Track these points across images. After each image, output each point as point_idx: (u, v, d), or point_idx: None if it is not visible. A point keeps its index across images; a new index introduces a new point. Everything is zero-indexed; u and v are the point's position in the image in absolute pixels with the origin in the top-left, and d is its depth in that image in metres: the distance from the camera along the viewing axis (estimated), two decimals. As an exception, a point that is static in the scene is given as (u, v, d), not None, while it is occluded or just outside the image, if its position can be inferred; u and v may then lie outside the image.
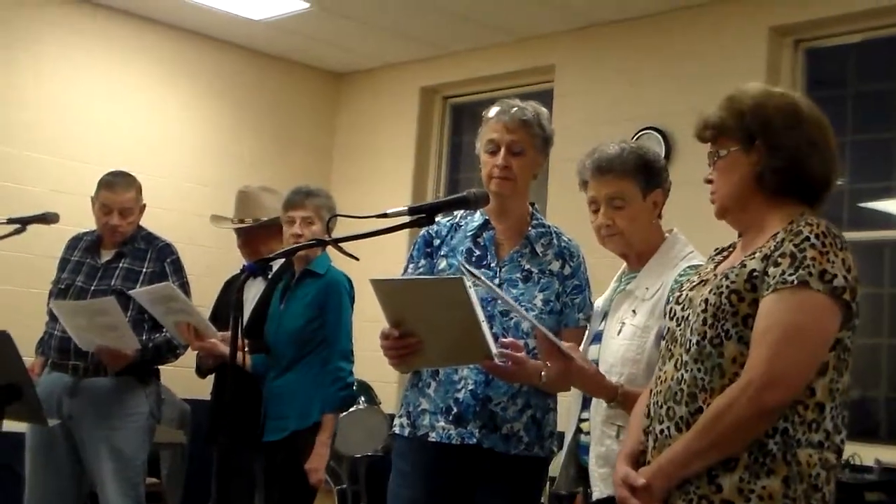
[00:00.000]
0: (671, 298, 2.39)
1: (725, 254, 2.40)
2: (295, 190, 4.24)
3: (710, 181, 2.34)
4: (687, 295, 2.30)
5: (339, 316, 4.10)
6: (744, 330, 2.13)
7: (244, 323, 4.28)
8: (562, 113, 6.32)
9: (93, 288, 4.38)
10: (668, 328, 2.32)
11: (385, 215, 2.57)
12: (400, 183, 7.46)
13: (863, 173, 5.66)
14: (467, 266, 2.84)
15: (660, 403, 2.23)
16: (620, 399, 2.63)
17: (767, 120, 2.24)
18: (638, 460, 2.29)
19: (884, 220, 5.66)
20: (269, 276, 4.41)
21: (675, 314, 2.31)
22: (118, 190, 4.41)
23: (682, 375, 2.19)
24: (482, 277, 2.72)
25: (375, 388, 6.37)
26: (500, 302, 3.02)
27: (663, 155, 5.50)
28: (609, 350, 2.77)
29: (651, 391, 2.31)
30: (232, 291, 4.51)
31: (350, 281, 4.20)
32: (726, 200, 2.30)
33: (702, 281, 2.30)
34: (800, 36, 5.85)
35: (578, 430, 2.89)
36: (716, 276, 2.25)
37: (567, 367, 2.59)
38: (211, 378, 4.54)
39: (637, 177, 2.83)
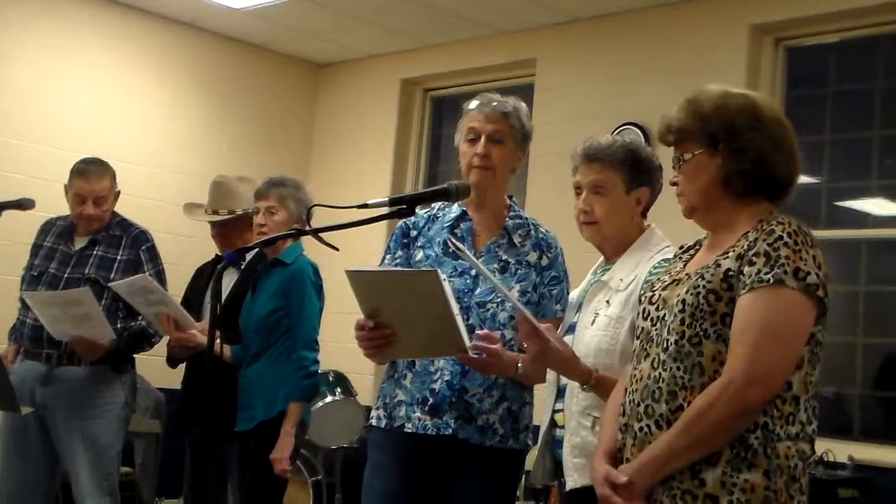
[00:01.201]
0: (643, 298, 2.40)
1: (692, 252, 2.44)
2: (264, 180, 4.24)
3: (675, 183, 2.37)
4: (660, 295, 2.32)
5: (302, 305, 4.09)
6: (722, 328, 2.16)
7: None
8: (543, 107, 6.33)
9: (66, 276, 4.35)
10: (642, 328, 2.34)
11: (366, 206, 2.56)
12: (379, 174, 7.45)
13: (840, 172, 5.69)
14: (454, 241, 2.84)
15: (637, 402, 2.26)
16: (594, 383, 2.65)
17: (730, 122, 2.27)
18: (615, 457, 2.31)
19: (860, 219, 5.69)
20: (242, 266, 4.38)
21: (648, 314, 2.33)
22: (91, 178, 4.37)
23: (661, 374, 2.21)
24: (467, 251, 2.73)
25: (352, 380, 6.36)
26: (476, 293, 3.03)
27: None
28: (582, 340, 2.78)
29: (626, 389, 2.32)
30: (203, 278, 4.51)
31: (316, 270, 4.18)
32: (693, 202, 2.33)
33: (674, 280, 2.32)
34: (780, 34, 5.87)
35: (553, 424, 2.90)
36: (688, 275, 2.28)
37: (543, 348, 2.60)
38: (182, 368, 4.51)
39: (623, 170, 2.86)
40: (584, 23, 6.51)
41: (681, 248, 2.51)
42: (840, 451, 4.97)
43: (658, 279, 2.42)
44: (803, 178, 5.77)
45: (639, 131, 5.90)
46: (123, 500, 4.57)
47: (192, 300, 4.50)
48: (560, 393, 2.86)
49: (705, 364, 2.16)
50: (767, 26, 5.83)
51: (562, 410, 2.83)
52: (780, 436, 2.13)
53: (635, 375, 2.29)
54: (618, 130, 5.93)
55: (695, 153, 2.30)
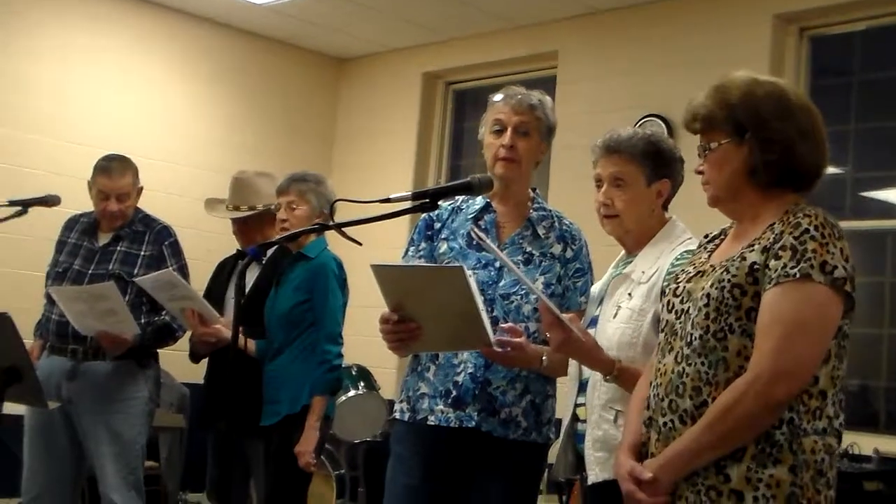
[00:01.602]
0: (667, 290, 2.37)
1: (717, 241, 2.41)
2: (286, 176, 4.26)
3: (700, 172, 2.34)
4: (685, 287, 2.29)
5: (325, 299, 4.09)
6: (747, 323, 2.14)
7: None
8: (564, 100, 6.31)
9: (90, 272, 4.36)
10: (666, 320, 2.31)
11: (388, 200, 2.57)
12: (401, 169, 7.45)
13: (866, 162, 5.65)
14: (478, 232, 2.83)
15: (661, 396, 2.24)
16: (616, 374, 2.64)
17: (757, 112, 2.24)
18: (640, 451, 2.30)
19: (886, 209, 5.65)
20: (263, 262, 4.38)
21: (672, 306, 2.30)
22: (114, 175, 4.38)
23: (685, 369, 2.19)
24: (488, 241, 2.71)
25: (375, 374, 6.37)
26: (500, 285, 3.03)
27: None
28: (605, 333, 2.77)
29: (650, 383, 2.31)
30: (224, 273, 4.52)
31: (340, 264, 4.18)
32: (719, 192, 2.30)
33: (698, 272, 2.30)
34: (804, 24, 5.83)
35: (575, 417, 2.89)
36: (713, 267, 2.25)
37: (566, 338, 2.59)
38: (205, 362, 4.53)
39: (643, 162, 2.84)
40: (606, 14, 6.49)
41: (705, 237, 2.48)
42: (866, 444, 4.95)
43: (682, 270, 2.39)
44: (828, 169, 5.74)
45: (662, 123, 5.87)
46: (148, 494, 4.59)
47: (213, 294, 4.51)
48: (582, 387, 2.85)
49: (730, 359, 2.14)
50: (791, 15, 5.80)
51: (584, 404, 2.82)
52: (806, 431, 2.11)
53: (659, 369, 2.27)
54: (640, 122, 5.91)
55: (721, 142, 2.27)
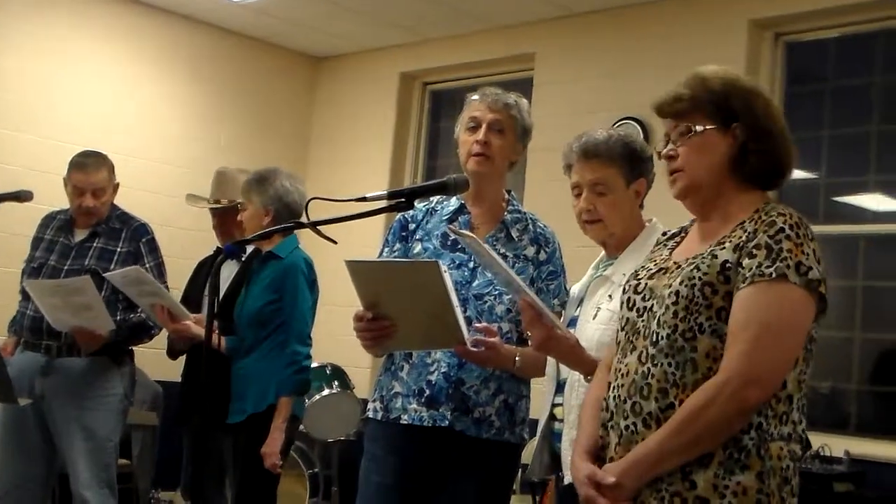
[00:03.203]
0: (627, 287, 2.29)
1: (678, 239, 2.36)
2: None
3: (671, 157, 2.24)
4: (646, 284, 2.22)
5: (294, 299, 4.07)
6: (717, 323, 2.07)
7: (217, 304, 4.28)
8: (541, 101, 6.32)
9: (66, 267, 4.35)
10: (627, 318, 2.23)
11: (364, 199, 2.56)
12: (377, 168, 7.44)
13: (839, 168, 5.70)
14: (455, 228, 2.83)
15: (623, 398, 2.15)
16: None
17: (750, 102, 2.20)
18: (597, 456, 2.21)
19: (859, 214, 5.69)
20: (243, 259, 4.40)
21: (634, 304, 2.22)
22: (89, 171, 4.38)
23: (650, 369, 2.11)
24: (469, 233, 2.70)
25: (349, 373, 6.36)
26: (474, 285, 3.03)
27: (641, 145, 5.52)
28: (584, 334, 2.77)
29: (610, 384, 2.23)
30: (203, 272, 4.53)
31: (310, 264, 4.17)
32: (698, 179, 2.21)
33: (660, 269, 2.23)
34: (780, 29, 5.87)
35: (552, 417, 2.89)
36: (677, 264, 2.20)
37: (548, 335, 2.57)
38: (182, 360, 4.52)
39: (622, 164, 2.84)
40: (583, 17, 6.50)
41: (664, 234, 2.44)
42: (836, 445, 4.98)
43: (643, 267, 2.32)
44: (802, 174, 5.80)
45: (638, 126, 5.90)
46: (120, 492, 4.58)
47: (192, 293, 4.52)
48: (559, 387, 2.85)
49: (699, 360, 2.06)
50: (767, 21, 5.83)
51: (561, 404, 2.82)
52: (773, 435, 2.05)
53: (620, 370, 2.19)
54: (617, 124, 5.92)
55: (707, 127, 2.19)
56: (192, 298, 4.49)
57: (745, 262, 2.07)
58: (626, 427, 2.13)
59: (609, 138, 2.86)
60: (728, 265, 2.09)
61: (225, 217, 4.56)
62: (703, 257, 2.14)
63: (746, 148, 2.19)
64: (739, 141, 2.19)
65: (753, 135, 2.18)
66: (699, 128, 2.20)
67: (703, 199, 2.24)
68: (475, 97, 3.16)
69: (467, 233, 2.71)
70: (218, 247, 4.60)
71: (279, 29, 7.42)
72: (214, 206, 4.63)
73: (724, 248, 2.12)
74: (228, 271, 4.40)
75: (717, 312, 2.08)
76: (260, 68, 7.69)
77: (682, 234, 2.36)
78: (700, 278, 2.10)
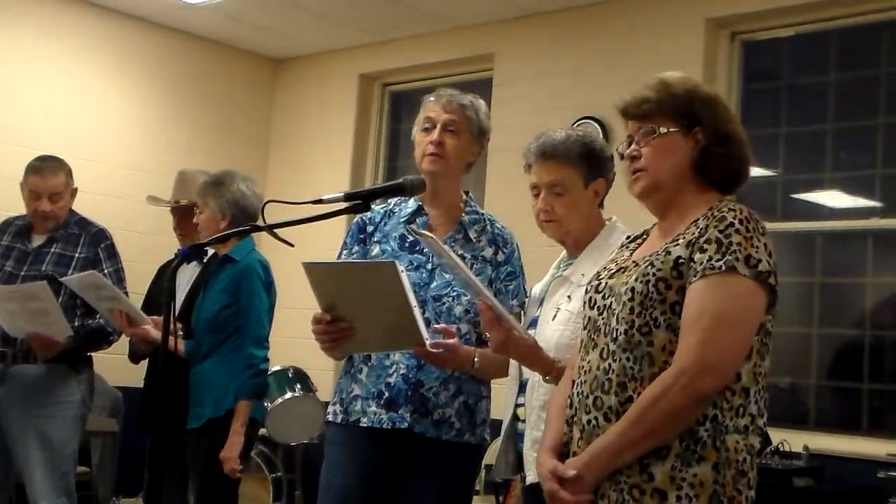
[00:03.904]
0: (589, 287, 2.35)
1: (639, 241, 2.41)
2: None
3: (634, 157, 2.29)
4: (606, 283, 2.28)
5: (250, 302, 4.05)
6: (672, 317, 2.12)
7: (177, 307, 4.24)
8: (500, 102, 6.33)
9: (22, 273, 4.31)
10: (589, 317, 2.29)
11: (321, 201, 2.55)
12: (338, 170, 7.42)
13: (795, 165, 5.75)
14: (414, 229, 2.83)
15: (585, 393, 2.20)
16: (556, 374, 2.63)
17: (712, 107, 2.26)
18: (562, 452, 2.26)
19: (815, 210, 5.75)
20: (204, 261, 4.37)
21: (595, 302, 2.28)
22: (46, 175, 4.34)
23: (610, 365, 2.16)
24: (428, 233, 2.70)
25: (312, 376, 6.34)
26: (432, 286, 3.03)
27: (600, 144, 5.55)
28: (543, 335, 2.78)
29: (573, 381, 2.28)
30: (165, 277, 4.48)
31: (266, 267, 4.15)
32: (660, 179, 2.27)
33: (620, 268, 2.29)
34: (736, 28, 5.92)
35: (515, 417, 2.90)
36: (635, 263, 2.25)
37: (507, 337, 2.58)
38: (143, 365, 4.48)
39: (580, 165, 2.85)
40: (542, 17, 6.52)
41: (627, 237, 2.49)
42: (796, 441, 5.02)
43: (604, 267, 2.38)
44: (759, 171, 5.84)
45: (597, 125, 5.92)
46: (80, 499, 4.53)
47: (154, 296, 4.49)
48: (522, 387, 2.86)
49: (655, 354, 2.12)
50: (723, 20, 5.88)
51: (524, 405, 2.83)
52: (728, 428, 2.10)
53: (583, 367, 2.24)
54: (576, 124, 5.94)
55: (670, 129, 2.26)
56: (154, 302, 4.46)
57: (697, 256, 2.13)
58: (588, 422, 2.18)
59: (567, 139, 2.87)
60: (681, 261, 2.15)
61: (185, 217, 4.54)
62: (658, 254, 2.19)
63: (708, 151, 2.25)
64: (701, 144, 2.25)
65: (715, 139, 2.25)
66: (663, 129, 2.26)
67: (663, 199, 2.30)
68: (431, 98, 3.16)
69: (427, 233, 2.70)
70: (179, 250, 4.57)
71: (238, 31, 7.38)
72: (174, 205, 4.60)
73: (678, 244, 2.18)
74: (191, 274, 4.37)
75: (671, 307, 2.14)
76: (219, 70, 7.65)
77: (644, 237, 2.41)
78: (654, 274, 2.16)
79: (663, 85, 2.29)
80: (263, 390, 4.18)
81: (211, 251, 4.34)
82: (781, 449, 4.94)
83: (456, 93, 3.16)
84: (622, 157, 2.34)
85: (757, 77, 5.98)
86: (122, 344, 4.42)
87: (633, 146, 2.31)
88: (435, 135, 3.07)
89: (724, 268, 2.09)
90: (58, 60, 6.82)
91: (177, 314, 4.19)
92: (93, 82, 6.99)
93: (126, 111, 7.15)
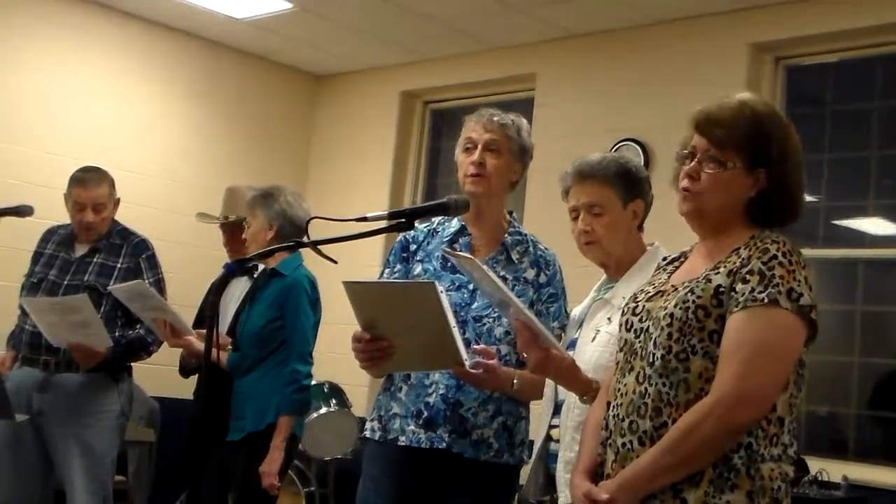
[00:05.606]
0: (626, 309, 2.35)
1: (677, 264, 2.40)
2: None
3: (690, 176, 2.25)
4: (644, 306, 2.28)
5: (296, 318, 4.07)
6: (710, 345, 2.12)
7: (227, 321, 4.27)
8: (542, 122, 6.34)
9: (65, 283, 4.35)
10: (625, 339, 2.29)
11: (364, 219, 2.56)
12: (377, 187, 7.44)
13: (838, 191, 5.71)
14: (448, 250, 2.84)
15: (621, 416, 2.21)
16: (593, 394, 2.61)
17: (785, 156, 2.22)
18: (595, 473, 2.27)
19: (858, 238, 5.70)
20: (254, 276, 4.39)
21: (632, 325, 2.28)
22: (90, 186, 4.39)
23: (646, 389, 2.17)
24: (466, 254, 2.70)
25: (347, 391, 6.36)
26: (473, 307, 3.03)
27: (641, 167, 5.54)
28: (582, 356, 2.77)
29: (609, 404, 2.28)
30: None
31: (313, 283, 4.17)
32: (710, 210, 2.24)
33: (658, 292, 2.28)
34: (780, 53, 5.89)
35: (548, 438, 2.89)
36: (674, 287, 2.25)
37: (546, 357, 2.57)
38: (179, 378, 4.51)
39: (617, 184, 2.85)
40: (584, 38, 6.52)
41: (664, 259, 2.48)
42: (834, 470, 4.97)
43: (641, 290, 2.38)
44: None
45: (638, 147, 5.91)
46: (117, 508, 4.56)
47: (204, 313, 4.51)
48: (557, 408, 2.85)
49: (691, 381, 2.12)
50: (767, 45, 5.85)
51: (558, 426, 2.83)
52: (763, 456, 2.10)
53: (619, 389, 2.24)
54: (617, 146, 5.94)
55: (736, 165, 2.21)
56: (204, 317, 4.49)
57: (739, 287, 2.12)
58: (623, 445, 2.19)
59: (602, 159, 2.89)
60: (721, 289, 2.14)
61: (234, 234, 4.57)
62: (698, 281, 2.19)
63: (767, 196, 2.22)
64: (761, 186, 2.22)
65: (776, 187, 2.22)
66: (730, 164, 2.22)
67: (708, 226, 2.29)
68: (472, 119, 3.16)
69: (462, 254, 2.71)
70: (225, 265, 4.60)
71: (280, 46, 7.43)
72: (224, 221, 4.63)
73: (719, 272, 2.17)
74: (242, 288, 4.39)
75: (710, 335, 2.14)
76: (261, 86, 7.70)
77: (682, 259, 2.40)
78: (694, 301, 2.15)
79: (743, 112, 2.24)
80: (306, 407, 4.19)
81: (262, 266, 4.35)
82: (820, 478, 4.88)
83: (497, 112, 3.16)
84: (681, 161, 2.30)
85: (800, 102, 5.95)
86: (162, 354, 4.45)
87: (694, 164, 2.25)
88: (476, 155, 3.08)
89: (766, 300, 2.08)
90: (102, 72, 6.90)
91: (227, 328, 4.24)
92: (135, 94, 7.06)
93: (168, 123, 7.22)
